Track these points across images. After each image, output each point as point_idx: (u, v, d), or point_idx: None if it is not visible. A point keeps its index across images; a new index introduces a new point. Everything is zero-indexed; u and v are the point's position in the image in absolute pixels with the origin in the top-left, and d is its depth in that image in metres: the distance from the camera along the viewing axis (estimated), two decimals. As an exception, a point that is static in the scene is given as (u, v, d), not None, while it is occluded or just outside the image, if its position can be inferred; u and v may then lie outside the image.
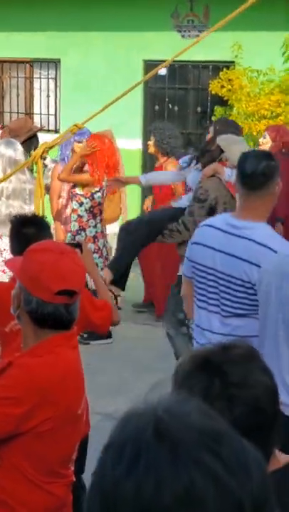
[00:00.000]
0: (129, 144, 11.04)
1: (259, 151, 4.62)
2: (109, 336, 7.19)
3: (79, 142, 7.50)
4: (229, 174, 5.67)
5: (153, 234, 5.87)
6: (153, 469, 0.91)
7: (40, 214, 5.58)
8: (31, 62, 12.74)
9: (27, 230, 3.85)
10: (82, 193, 7.39)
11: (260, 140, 7.67)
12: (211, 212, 5.56)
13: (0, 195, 6.66)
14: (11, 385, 2.53)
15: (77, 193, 7.39)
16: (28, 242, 3.78)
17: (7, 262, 2.90)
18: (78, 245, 4.00)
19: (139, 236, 5.92)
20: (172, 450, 0.92)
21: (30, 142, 7.21)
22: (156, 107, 11.97)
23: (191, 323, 6.09)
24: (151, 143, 8.33)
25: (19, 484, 2.57)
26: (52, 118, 12.73)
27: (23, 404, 2.49)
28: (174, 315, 6.06)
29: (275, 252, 3.49)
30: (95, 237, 7.35)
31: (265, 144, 7.59)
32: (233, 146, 5.72)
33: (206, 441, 0.92)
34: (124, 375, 6.43)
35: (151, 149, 8.39)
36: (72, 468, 2.77)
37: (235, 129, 6.26)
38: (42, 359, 2.58)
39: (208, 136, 6.09)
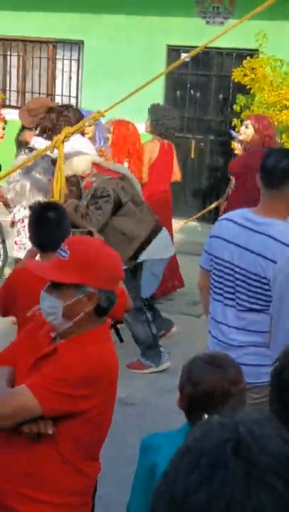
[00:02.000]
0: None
1: (285, 149, 4.57)
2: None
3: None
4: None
5: None
6: (227, 485, 0.92)
7: (60, 199, 5.66)
8: (54, 43, 12.73)
9: (49, 215, 3.93)
10: None
11: (242, 129, 7.20)
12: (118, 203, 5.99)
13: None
14: (65, 368, 2.62)
15: None
16: (50, 226, 3.85)
17: (50, 276, 2.74)
18: (90, 233, 4.08)
19: None
20: (248, 471, 0.93)
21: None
22: (178, 93, 11.95)
23: (146, 309, 6.24)
24: (148, 122, 8.22)
25: (58, 465, 2.66)
26: (73, 100, 12.73)
27: (75, 387, 2.59)
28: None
29: None
30: None
31: (248, 134, 7.14)
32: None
33: (281, 468, 0.94)
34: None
35: (148, 129, 8.27)
36: (99, 461, 2.88)
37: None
38: (97, 348, 2.68)
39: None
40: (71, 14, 12.15)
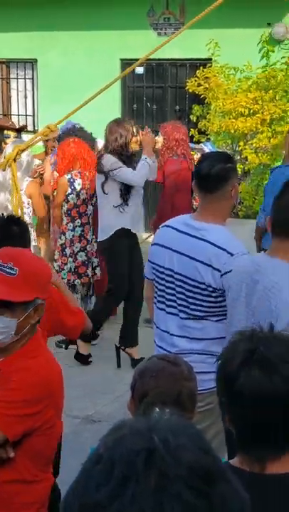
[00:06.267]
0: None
1: (219, 153, 4.61)
2: (94, 337, 7.07)
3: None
4: None
5: None
6: (138, 500, 0.87)
7: (18, 215, 5.57)
8: (7, 63, 12.67)
9: (14, 229, 3.83)
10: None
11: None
12: None
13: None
14: (20, 388, 2.56)
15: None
16: (14, 241, 3.77)
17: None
18: None
19: None
20: (160, 483, 0.88)
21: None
22: (135, 106, 11.94)
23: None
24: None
25: (12, 485, 2.62)
26: (30, 118, 12.67)
27: (34, 405, 2.55)
28: None
29: (232, 254, 3.46)
30: (71, 241, 7.17)
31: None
32: None
33: (195, 479, 0.89)
34: (107, 375, 6.40)
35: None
36: (51, 469, 2.83)
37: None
38: (39, 360, 2.62)
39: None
40: (23, 33, 12.09)
